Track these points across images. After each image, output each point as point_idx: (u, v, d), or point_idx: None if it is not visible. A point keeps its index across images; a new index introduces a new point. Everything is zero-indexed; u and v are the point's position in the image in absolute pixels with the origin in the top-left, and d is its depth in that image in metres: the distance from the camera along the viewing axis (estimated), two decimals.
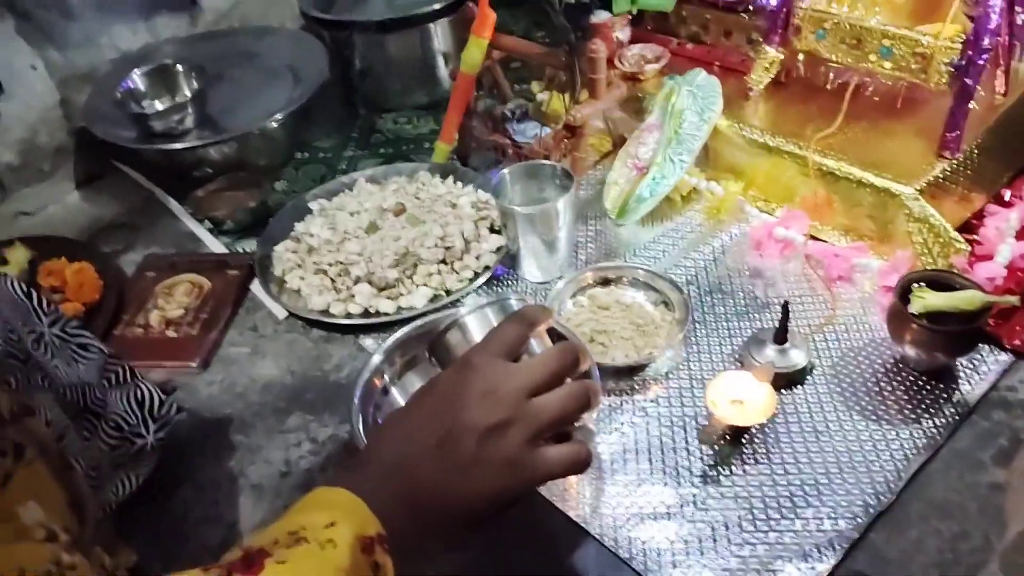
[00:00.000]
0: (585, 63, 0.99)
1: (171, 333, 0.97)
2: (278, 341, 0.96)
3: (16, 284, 0.68)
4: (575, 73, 0.99)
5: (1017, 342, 0.82)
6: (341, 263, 0.99)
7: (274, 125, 1.16)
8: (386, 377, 0.81)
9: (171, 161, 1.18)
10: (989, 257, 0.88)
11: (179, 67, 1.23)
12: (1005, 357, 0.82)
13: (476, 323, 0.64)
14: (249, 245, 1.11)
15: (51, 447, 0.60)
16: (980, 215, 0.95)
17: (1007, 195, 0.97)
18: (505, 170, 0.96)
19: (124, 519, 0.75)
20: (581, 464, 0.57)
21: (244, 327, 0.99)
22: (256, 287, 1.03)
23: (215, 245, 1.11)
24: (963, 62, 0.86)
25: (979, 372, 0.81)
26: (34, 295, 0.69)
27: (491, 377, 0.56)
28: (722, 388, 0.77)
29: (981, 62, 0.85)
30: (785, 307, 0.80)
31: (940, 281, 0.80)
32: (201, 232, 1.14)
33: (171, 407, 0.79)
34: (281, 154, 1.26)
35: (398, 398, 0.80)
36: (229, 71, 1.30)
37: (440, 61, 1.31)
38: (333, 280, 0.98)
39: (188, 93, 1.21)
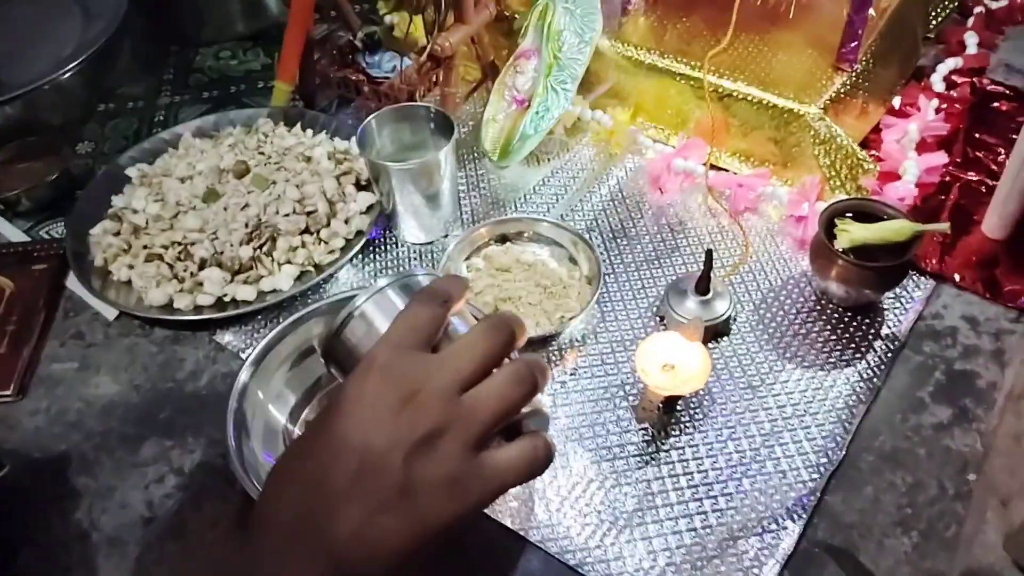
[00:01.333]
0: None
1: None
2: (112, 349, 0.79)
3: None
4: None
5: (934, 262, 0.79)
6: (179, 244, 0.82)
7: (67, 76, 0.94)
8: (260, 394, 0.66)
9: None
10: (895, 175, 0.84)
11: None
12: (926, 282, 0.78)
13: (379, 311, 0.50)
14: (56, 229, 0.91)
15: None
16: (876, 129, 0.91)
17: (897, 104, 0.93)
18: (371, 117, 0.81)
19: None
20: (540, 462, 0.45)
21: (65, 335, 0.80)
22: (73, 282, 0.84)
23: (11, 232, 0.90)
24: None
25: (902, 301, 0.77)
26: None
27: (406, 377, 0.43)
28: (650, 353, 0.69)
29: None
30: (708, 255, 0.72)
31: (864, 211, 0.74)
32: None
33: None
34: (80, 109, 1.03)
35: (277, 416, 0.67)
36: None
37: None
38: (172, 266, 0.81)
39: None
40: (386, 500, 0.41)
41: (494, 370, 0.45)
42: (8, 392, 0.74)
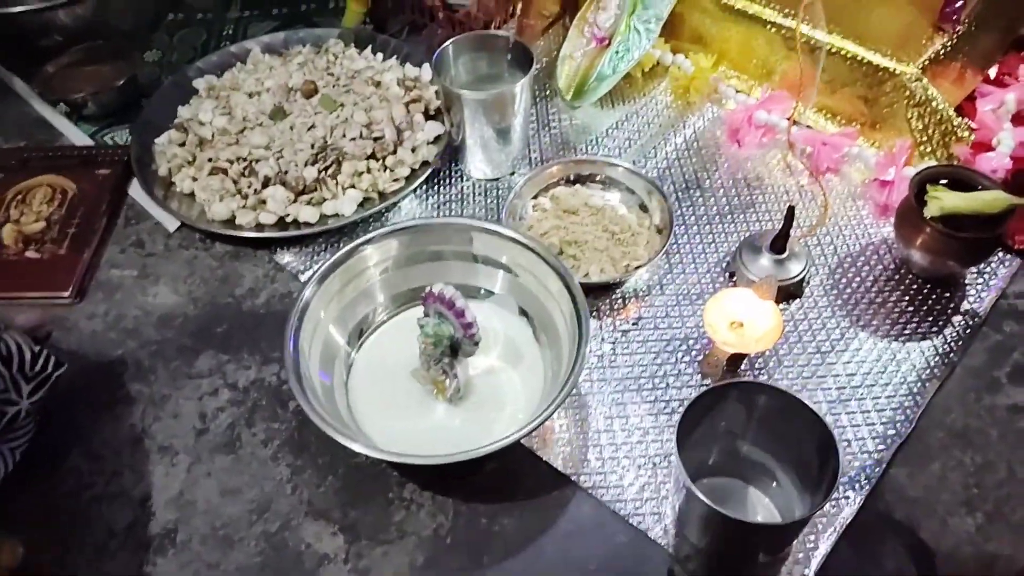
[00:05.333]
0: None
1: (32, 253, 0.77)
2: (172, 260, 0.78)
3: None
4: None
5: (1021, 239, 0.75)
6: (244, 159, 0.80)
7: None
8: (322, 314, 0.65)
9: (10, 28, 0.92)
10: (988, 145, 0.80)
11: None
12: (1011, 259, 0.75)
13: None
14: (120, 135, 0.90)
15: None
16: (970, 97, 0.86)
17: (994, 73, 0.88)
18: (448, 43, 0.79)
19: (4, 505, 0.61)
20: None
21: (125, 243, 0.80)
22: (136, 190, 0.83)
23: (76, 135, 0.90)
24: None
25: (984, 277, 0.74)
26: None
27: None
28: (720, 309, 0.66)
29: None
30: (790, 211, 0.69)
31: (957, 179, 0.70)
32: (55, 119, 0.91)
33: (47, 360, 0.62)
34: (149, 16, 1.02)
35: (337, 337, 0.66)
36: None
37: None
38: (236, 181, 0.80)
39: None
40: None
41: None
42: (66, 294, 0.74)
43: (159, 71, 0.97)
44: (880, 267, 0.75)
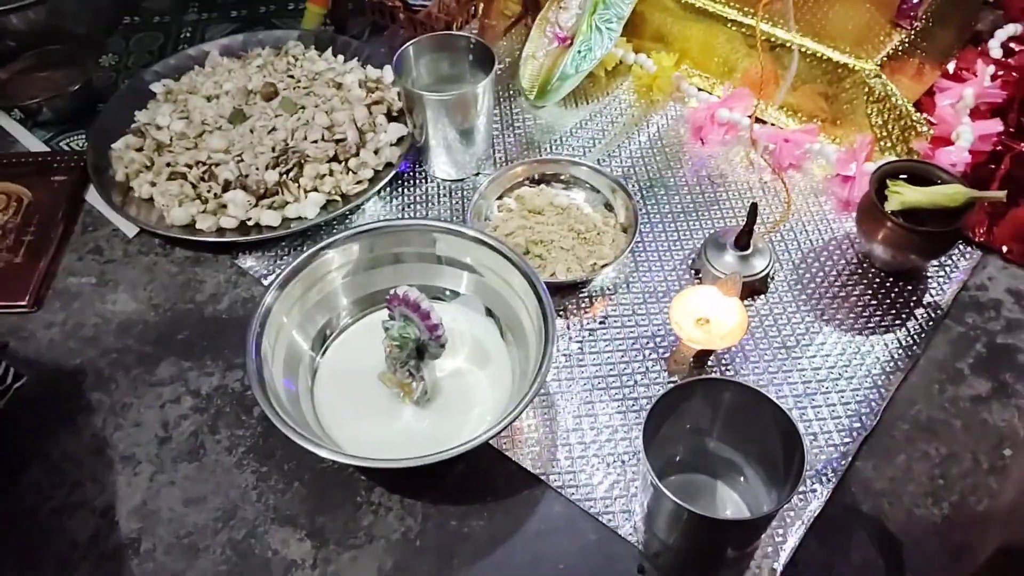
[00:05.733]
0: None
1: None
2: (131, 266, 0.77)
3: None
4: None
5: (982, 232, 0.76)
6: (203, 164, 0.79)
7: None
8: (284, 319, 0.64)
9: None
10: (947, 140, 0.81)
11: None
12: (972, 252, 0.76)
13: None
14: (76, 141, 0.88)
15: None
16: (928, 92, 0.87)
17: (952, 68, 0.89)
18: (409, 44, 0.78)
19: None
20: None
21: (83, 250, 0.78)
22: (93, 196, 0.81)
23: (31, 142, 0.88)
24: None
25: (946, 270, 0.75)
26: None
27: None
28: (686, 306, 0.66)
29: None
30: (753, 208, 0.69)
31: (917, 173, 0.71)
32: (10, 125, 0.89)
33: (7, 372, 0.60)
34: (105, 19, 1.00)
35: (301, 343, 0.65)
36: None
37: None
38: (195, 186, 0.78)
39: None
40: None
41: None
42: (23, 303, 0.73)
43: (115, 75, 0.95)
44: (843, 262, 0.75)
